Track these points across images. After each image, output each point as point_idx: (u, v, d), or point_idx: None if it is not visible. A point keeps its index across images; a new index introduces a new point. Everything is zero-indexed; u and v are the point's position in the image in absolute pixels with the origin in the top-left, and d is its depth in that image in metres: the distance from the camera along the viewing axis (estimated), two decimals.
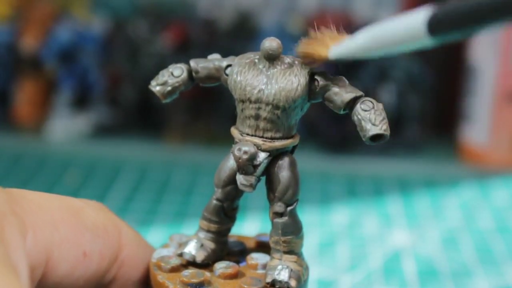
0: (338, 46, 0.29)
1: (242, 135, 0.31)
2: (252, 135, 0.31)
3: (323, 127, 0.74)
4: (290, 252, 0.32)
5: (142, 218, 0.58)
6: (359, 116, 0.31)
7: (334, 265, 0.52)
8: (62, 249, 0.28)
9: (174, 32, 0.74)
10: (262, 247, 0.34)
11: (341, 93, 0.32)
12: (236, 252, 0.33)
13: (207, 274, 0.31)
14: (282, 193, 0.31)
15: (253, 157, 0.30)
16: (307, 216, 0.60)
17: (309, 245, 0.55)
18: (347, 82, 0.32)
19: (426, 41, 0.24)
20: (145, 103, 0.74)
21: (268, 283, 0.31)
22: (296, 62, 0.31)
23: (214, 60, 0.32)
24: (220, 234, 0.32)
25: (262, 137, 0.31)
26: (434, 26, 0.24)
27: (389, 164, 0.71)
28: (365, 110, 0.31)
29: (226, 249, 0.33)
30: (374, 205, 0.62)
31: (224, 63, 0.32)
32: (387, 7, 0.80)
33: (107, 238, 0.31)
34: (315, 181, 0.67)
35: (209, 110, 0.72)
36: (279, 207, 0.31)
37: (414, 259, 0.53)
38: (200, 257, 0.31)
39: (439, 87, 0.76)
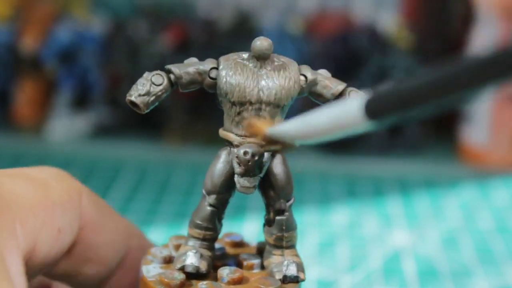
0: (277, 126, 0.29)
1: (241, 138, 0.30)
2: (252, 137, 0.30)
3: None
4: (290, 247, 0.32)
5: (142, 218, 0.58)
6: None
7: (334, 265, 0.52)
8: (42, 232, 0.28)
9: (174, 32, 0.74)
10: (239, 246, 0.34)
11: (330, 86, 0.32)
12: (219, 256, 0.33)
13: (220, 283, 0.30)
14: (282, 190, 0.31)
15: (261, 158, 0.30)
16: (307, 217, 0.60)
17: (309, 245, 0.55)
18: (330, 74, 0.32)
19: (365, 126, 0.25)
20: None
21: (279, 280, 0.31)
22: (283, 59, 0.31)
23: (194, 64, 0.31)
24: (213, 241, 0.32)
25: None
26: (371, 111, 0.24)
27: (389, 165, 0.71)
28: None
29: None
30: (374, 205, 0.62)
31: (207, 66, 0.31)
32: (387, 7, 0.80)
33: (73, 209, 0.30)
34: (315, 181, 0.67)
35: (209, 110, 0.72)
36: (281, 204, 0.31)
37: (414, 259, 0.53)
38: (204, 267, 0.31)
39: None
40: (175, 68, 0.31)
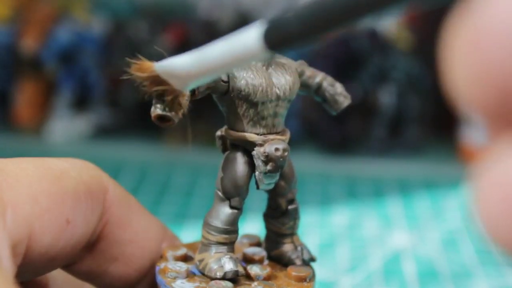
0: (166, 62, 0.28)
1: (264, 136, 0.30)
2: (269, 133, 0.31)
3: (323, 128, 0.74)
4: (295, 232, 0.33)
5: None
6: (331, 92, 0.32)
7: (334, 266, 0.52)
8: (44, 220, 0.28)
9: (174, 33, 0.74)
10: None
11: (313, 75, 0.33)
12: None
13: (263, 282, 0.30)
14: (292, 179, 0.32)
15: (288, 153, 0.30)
16: (307, 217, 0.60)
17: (309, 246, 0.55)
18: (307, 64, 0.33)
19: (264, 56, 0.24)
20: (145, 104, 0.74)
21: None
22: (278, 57, 0.32)
23: None
24: (234, 243, 0.32)
25: (277, 132, 0.31)
26: (271, 41, 0.24)
27: (389, 165, 0.71)
28: (332, 85, 0.32)
29: None
30: (374, 206, 0.62)
31: None
32: None
33: (90, 200, 0.30)
34: (315, 182, 0.67)
35: (210, 111, 0.72)
36: (292, 194, 0.32)
37: (414, 260, 0.53)
38: (241, 269, 0.31)
39: (439, 88, 0.76)
40: None
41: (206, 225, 0.31)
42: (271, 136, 0.30)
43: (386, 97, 0.72)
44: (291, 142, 0.69)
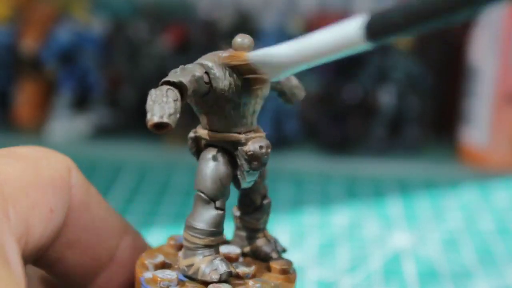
0: (260, 51, 0.29)
1: (245, 135, 0.30)
2: (248, 131, 0.30)
3: (323, 128, 0.74)
4: (266, 227, 0.33)
5: (142, 219, 0.58)
6: (288, 85, 0.33)
7: (334, 266, 0.52)
8: (35, 213, 0.28)
9: (174, 33, 0.74)
10: None
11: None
12: None
13: (259, 279, 0.30)
14: (266, 176, 0.32)
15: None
16: (307, 218, 0.60)
17: (309, 246, 0.55)
18: None
19: (364, 47, 0.25)
20: (145, 104, 0.74)
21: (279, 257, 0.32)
22: None
23: (186, 74, 0.29)
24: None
25: (253, 131, 0.31)
26: (371, 32, 0.24)
27: (389, 166, 0.71)
28: (287, 79, 0.33)
29: None
30: (374, 207, 0.62)
31: (199, 72, 0.29)
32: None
33: (63, 187, 0.30)
34: (315, 182, 0.67)
35: None
36: (265, 189, 0.32)
37: (414, 260, 0.53)
38: (233, 269, 0.30)
39: (439, 88, 0.76)
40: (182, 79, 0.29)
41: (190, 228, 0.30)
42: (251, 134, 0.30)
43: (386, 97, 0.72)
44: (291, 142, 0.69)
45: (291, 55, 0.27)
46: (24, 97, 0.74)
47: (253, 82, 0.29)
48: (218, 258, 0.30)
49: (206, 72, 0.29)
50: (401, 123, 0.73)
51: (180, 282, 0.30)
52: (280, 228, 0.57)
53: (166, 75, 0.30)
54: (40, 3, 0.77)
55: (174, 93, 0.28)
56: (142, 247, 0.33)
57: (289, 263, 0.31)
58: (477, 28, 0.72)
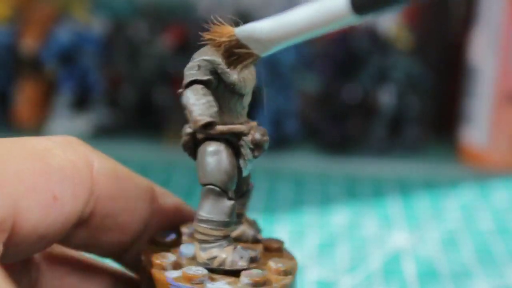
0: (247, 26, 0.28)
1: (245, 125, 0.31)
2: (245, 122, 0.31)
3: (323, 128, 0.74)
4: None
5: None
6: None
7: (334, 266, 0.52)
8: (30, 198, 0.28)
9: (174, 33, 0.74)
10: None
11: None
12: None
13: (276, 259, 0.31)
14: None
15: None
16: (307, 217, 0.60)
17: (308, 246, 0.55)
18: None
19: (350, 20, 0.25)
20: (145, 104, 0.74)
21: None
22: None
23: (199, 69, 0.30)
24: None
25: (246, 121, 0.32)
26: (357, 5, 0.24)
27: (389, 165, 0.71)
28: None
29: None
30: (374, 206, 0.62)
31: (209, 66, 0.30)
32: None
33: (78, 176, 0.30)
34: (314, 182, 0.67)
35: None
36: (249, 175, 0.33)
37: (414, 260, 0.53)
38: (254, 253, 0.32)
39: (439, 88, 0.76)
40: (209, 76, 0.30)
41: (206, 222, 0.31)
42: (248, 124, 0.31)
43: (386, 97, 0.72)
44: (291, 142, 0.69)
45: (277, 29, 0.27)
46: (24, 97, 0.74)
47: (244, 56, 0.29)
48: (238, 246, 0.31)
49: (214, 68, 0.30)
50: (401, 123, 0.73)
51: (210, 276, 0.30)
52: (280, 228, 0.57)
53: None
54: (40, 3, 0.77)
55: (208, 91, 0.30)
56: (175, 203, 0.34)
57: (280, 240, 0.32)
58: (477, 28, 0.72)
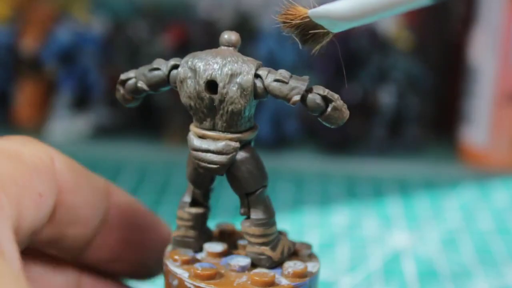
0: (320, 7, 0.29)
1: None
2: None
3: (322, 128, 0.73)
4: None
5: None
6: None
7: (334, 266, 0.52)
8: (25, 199, 0.29)
9: (174, 33, 0.74)
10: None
11: None
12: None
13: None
14: None
15: None
16: (307, 217, 0.60)
17: None
18: None
19: (424, 1, 0.25)
20: (145, 104, 0.74)
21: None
22: None
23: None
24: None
25: None
26: None
27: (389, 165, 0.71)
28: None
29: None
30: (374, 206, 0.62)
31: None
32: None
33: (48, 171, 0.31)
34: (315, 182, 0.67)
35: None
36: None
37: (414, 260, 0.53)
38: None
39: (439, 88, 0.76)
40: None
41: (273, 222, 0.33)
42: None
43: (386, 97, 0.72)
44: (291, 142, 0.69)
45: (353, 9, 0.27)
46: (24, 97, 0.74)
47: (315, 36, 0.29)
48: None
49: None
50: (401, 123, 0.73)
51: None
52: (280, 227, 0.57)
53: None
54: (40, 3, 0.77)
55: None
56: (129, 202, 0.35)
57: (308, 245, 0.34)
58: (477, 28, 0.72)
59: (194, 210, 0.32)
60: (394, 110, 0.73)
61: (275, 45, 0.71)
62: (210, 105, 0.30)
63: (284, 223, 0.58)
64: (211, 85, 0.30)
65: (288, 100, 0.30)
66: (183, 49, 0.73)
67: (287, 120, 0.72)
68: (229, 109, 0.30)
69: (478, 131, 0.72)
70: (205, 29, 0.74)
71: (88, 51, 0.74)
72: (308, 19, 0.29)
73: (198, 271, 0.30)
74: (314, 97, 0.30)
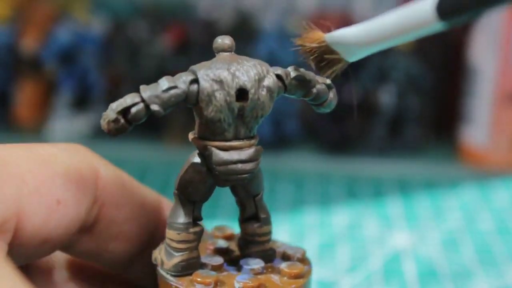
0: (337, 32, 0.29)
1: None
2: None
3: (323, 128, 0.74)
4: None
5: None
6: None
7: (334, 266, 0.52)
8: (33, 200, 0.28)
9: (174, 33, 0.74)
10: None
11: None
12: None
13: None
14: None
15: None
16: (307, 217, 0.60)
17: (309, 246, 0.55)
18: None
19: (436, 27, 0.25)
20: None
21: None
22: None
23: None
24: None
25: None
26: (444, 11, 0.24)
27: (389, 165, 0.71)
28: None
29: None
30: (374, 206, 0.62)
31: None
32: (387, 7, 0.80)
33: (82, 182, 0.30)
34: (315, 182, 0.67)
35: None
36: None
37: (414, 260, 0.53)
38: None
39: (439, 88, 0.76)
40: None
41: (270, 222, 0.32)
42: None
43: (386, 97, 0.72)
44: (291, 142, 0.69)
45: (366, 35, 0.28)
46: (24, 97, 0.74)
47: (330, 63, 0.30)
48: None
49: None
50: (401, 123, 0.73)
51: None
52: (280, 228, 0.57)
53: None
54: (40, 3, 0.77)
55: None
56: None
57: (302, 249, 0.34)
58: (477, 28, 0.72)
59: (198, 228, 0.31)
60: (394, 110, 0.73)
61: (275, 45, 0.71)
62: (238, 114, 0.29)
63: (284, 223, 0.58)
64: (240, 93, 0.29)
65: (310, 92, 0.30)
66: (183, 49, 0.73)
67: (287, 120, 0.72)
68: (259, 114, 0.29)
69: (478, 131, 0.72)
70: (205, 29, 0.74)
71: (88, 51, 0.74)
72: (325, 44, 0.29)
73: (249, 284, 0.29)
74: (321, 86, 0.30)
